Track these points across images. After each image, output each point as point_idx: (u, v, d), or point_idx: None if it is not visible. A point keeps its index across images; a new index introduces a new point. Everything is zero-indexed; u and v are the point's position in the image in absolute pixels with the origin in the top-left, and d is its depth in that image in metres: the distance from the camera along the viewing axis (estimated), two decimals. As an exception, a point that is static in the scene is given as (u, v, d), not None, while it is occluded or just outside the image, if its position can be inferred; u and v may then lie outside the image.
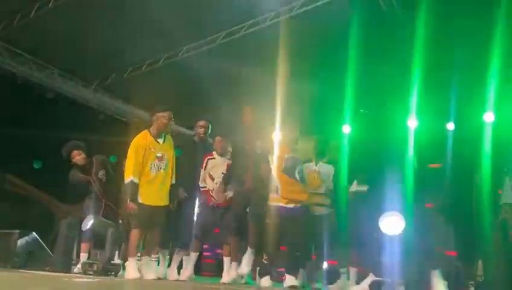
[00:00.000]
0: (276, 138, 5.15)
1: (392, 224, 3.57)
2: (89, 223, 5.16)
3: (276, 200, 4.88)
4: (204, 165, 5.44)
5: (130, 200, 4.89)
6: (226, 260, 5.35)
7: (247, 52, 8.00)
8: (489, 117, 7.16)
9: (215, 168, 5.43)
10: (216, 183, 5.36)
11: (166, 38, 7.93)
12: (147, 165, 5.00)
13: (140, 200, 4.93)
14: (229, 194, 5.32)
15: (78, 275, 4.93)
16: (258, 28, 7.69)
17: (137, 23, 7.52)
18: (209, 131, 5.61)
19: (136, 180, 4.92)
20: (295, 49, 7.13)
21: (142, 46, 8.25)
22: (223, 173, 5.39)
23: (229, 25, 7.82)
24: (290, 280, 4.62)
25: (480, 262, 3.86)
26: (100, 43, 8.03)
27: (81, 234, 5.44)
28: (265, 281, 5.08)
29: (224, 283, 5.12)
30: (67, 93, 9.22)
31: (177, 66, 8.53)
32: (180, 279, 5.22)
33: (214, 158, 5.47)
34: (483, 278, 3.80)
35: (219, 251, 6.29)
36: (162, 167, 5.08)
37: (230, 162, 5.48)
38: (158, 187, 5.02)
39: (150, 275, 4.89)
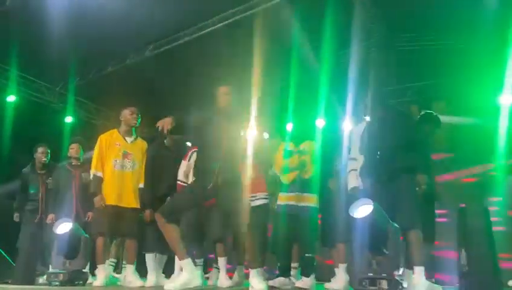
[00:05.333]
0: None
1: (363, 211, 3.51)
2: (66, 227, 4.73)
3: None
4: (188, 157, 5.12)
5: (92, 193, 4.78)
6: (221, 260, 5.06)
7: (215, 50, 7.80)
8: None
9: None
10: None
11: (131, 38, 7.71)
12: (110, 161, 4.81)
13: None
14: None
15: (42, 286, 4.66)
16: (222, 24, 7.49)
17: (102, 22, 7.25)
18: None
19: (97, 174, 4.79)
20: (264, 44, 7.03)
21: (108, 46, 8.00)
22: None
23: (194, 22, 7.61)
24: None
25: (463, 251, 3.76)
26: (64, 45, 7.72)
27: (56, 239, 5.00)
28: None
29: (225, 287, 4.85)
30: (31, 97, 8.92)
31: (143, 65, 8.28)
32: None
33: None
34: (467, 268, 3.70)
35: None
36: (128, 167, 4.87)
37: None
38: (122, 186, 4.78)
39: (135, 283, 4.70)
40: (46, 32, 7.24)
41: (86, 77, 8.89)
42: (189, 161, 5.09)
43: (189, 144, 5.58)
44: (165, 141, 5.32)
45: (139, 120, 5.04)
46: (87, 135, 6.82)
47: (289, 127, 6.70)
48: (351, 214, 3.58)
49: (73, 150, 5.74)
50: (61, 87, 9.29)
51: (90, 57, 8.29)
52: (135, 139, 5.03)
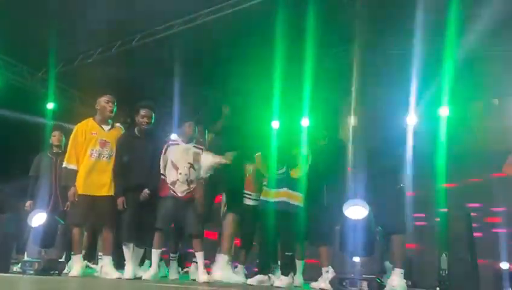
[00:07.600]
0: None
1: (356, 212, 3.51)
2: (40, 218, 4.63)
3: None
4: (164, 150, 4.96)
5: (64, 186, 4.70)
6: (199, 255, 4.90)
7: (205, 41, 7.74)
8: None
9: (178, 155, 4.93)
10: (180, 174, 4.83)
11: (119, 25, 7.59)
12: (86, 150, 4.70)
13: (78, 192, 4.63)
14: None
15: (16, 275, 4.55)
16: (214, 17, 7.43)
17: (89, 10, 7.12)
18: (153, 120, 5.01)
19: (70, 166, 4.68)
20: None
21: (94, 33, 7.87)
22: (189, 163, 4.90)
23: (186, 12, 7.52)
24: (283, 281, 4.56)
25: (444, 255, 3.79)
26: (48, 30, 7.56)
27: (31, 231, 4.89)
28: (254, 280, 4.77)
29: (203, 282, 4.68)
30: (13, 82, 8.73)
31: (130, 53, 8.16)
32: (144, 278, 4.77)
33: (177, 144, 5.00)
34: (447, 272, 3.72)
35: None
36: (105, 155, 4.76)
37: (198, 150, 5.02)
38: (98, 175, 4.68)
39: (111, 275, 4.61)
40: (30, 15, 7.12)
41: (71, 64, 8.73)
42: (164, 153, 5.00)
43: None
44: (135, 130, 5.06)
45: (115, 109, 4.93)
46: (69, 122, 6.69)
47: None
48: (343, 211, 3.59)
49: (55, 137, 5.64)
50: (44, 73, 9.09)
51: (76, 43, 8.17)
52: (112, 126, 4.92)
